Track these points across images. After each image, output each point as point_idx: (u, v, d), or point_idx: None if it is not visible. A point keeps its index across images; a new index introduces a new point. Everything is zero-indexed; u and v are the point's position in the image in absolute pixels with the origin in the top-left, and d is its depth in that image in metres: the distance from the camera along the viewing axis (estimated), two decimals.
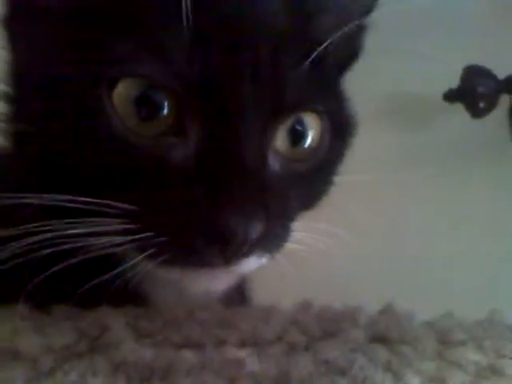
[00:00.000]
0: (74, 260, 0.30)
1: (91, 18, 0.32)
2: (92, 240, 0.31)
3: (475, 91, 0.90)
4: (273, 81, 0.33)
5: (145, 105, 0.31)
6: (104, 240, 0.31)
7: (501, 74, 0.90)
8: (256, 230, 0.31)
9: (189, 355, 0.30)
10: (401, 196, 0.91)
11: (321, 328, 0.35)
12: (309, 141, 0.37)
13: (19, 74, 0.35)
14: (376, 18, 0.46)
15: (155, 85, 0.31)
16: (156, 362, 0.30)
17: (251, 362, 0.31)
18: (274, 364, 0.31)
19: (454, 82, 0.92)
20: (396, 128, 0.94)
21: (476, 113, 0.91)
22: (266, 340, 0.33)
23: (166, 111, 0.31)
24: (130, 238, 0.31)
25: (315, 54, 0.34)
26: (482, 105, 0.91)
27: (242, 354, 0.32)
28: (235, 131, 0.32)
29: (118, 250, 0.31)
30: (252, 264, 0.33)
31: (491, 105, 0.91)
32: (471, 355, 0.32)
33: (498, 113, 0.92)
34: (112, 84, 0.31)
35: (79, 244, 0.30)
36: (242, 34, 0.33)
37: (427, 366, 0.31)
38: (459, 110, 0.92)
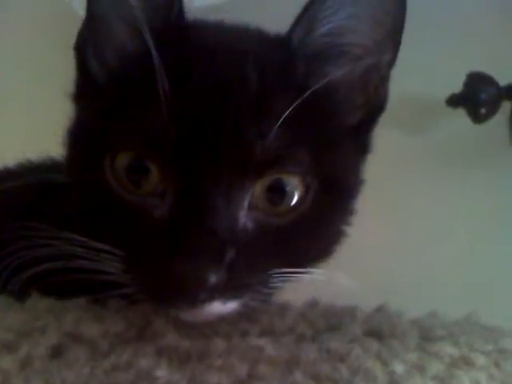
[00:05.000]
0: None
1: (106, 105, 0.41)
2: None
3: (477, 97, 0.90)
4: (234, 150, 0.36)
5: (134, 171, 0.38)
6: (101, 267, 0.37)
7: (502, 81, 0.91)
8: (211, 278, 0.33)
9: (219, 343, 0.35)
10: (400, 198, 0.91)
11: (325, 322, 0.40)
12: (290, 198, 0.38)
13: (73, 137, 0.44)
14: None
15: (141, 156, 0.38)
16: (192, 348, 0.34)
17: (269, 348, 0.35)
18: (287, 350, 0.35)
19: (457, 87, 0.92)
20: (399, 130, 0.94)
21: (478, 118, 0.92)
22: (280, 331, 0.38)
23: (149, 177, 0.37)
24: (118, 273, 0.37)
25: (281, 120, 0.36)
26: (483, 110, 0.91)
27: (261, 342, 0.36)
28: (198, 194, 0.36)
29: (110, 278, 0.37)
30: (217, 308, 0.35)
31: (492, 111, 0.92)
32: (447, 348, 0.37)
33: (499, 118, 0.92)
34: (113, 157, 0.38)
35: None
36: (206, 113, 0.37)
37: (410, 356, 0.36)
38: (461, 115, 0.92)
